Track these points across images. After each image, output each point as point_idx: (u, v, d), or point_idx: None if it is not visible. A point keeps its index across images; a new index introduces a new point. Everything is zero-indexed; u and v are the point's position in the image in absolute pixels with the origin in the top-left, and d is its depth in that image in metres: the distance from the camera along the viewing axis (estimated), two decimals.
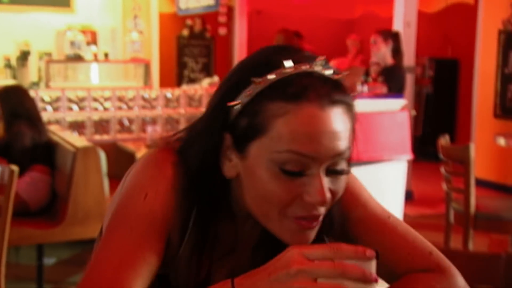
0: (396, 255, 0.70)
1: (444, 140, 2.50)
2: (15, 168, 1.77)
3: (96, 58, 5.79)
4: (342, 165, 0.61)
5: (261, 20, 7.11)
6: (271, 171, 0.59)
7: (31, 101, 2.73)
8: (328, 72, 0.61)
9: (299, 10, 7.03)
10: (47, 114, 3.91)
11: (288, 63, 0.59)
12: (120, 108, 4.34)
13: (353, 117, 0.63)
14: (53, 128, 3.24)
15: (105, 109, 4.30)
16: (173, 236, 0.66)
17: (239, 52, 5.82)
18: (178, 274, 0.69)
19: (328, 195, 0.59)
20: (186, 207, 0.66)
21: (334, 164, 0.60)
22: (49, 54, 5.67)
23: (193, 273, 0.67)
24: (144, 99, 4.42)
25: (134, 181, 0.69)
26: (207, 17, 6.46)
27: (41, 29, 5.64)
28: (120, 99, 4.34)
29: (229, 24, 6.04)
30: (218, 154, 0.64)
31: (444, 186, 2.50)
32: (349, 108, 0.62)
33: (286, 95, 0.58)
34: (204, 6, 5.27)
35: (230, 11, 5.92)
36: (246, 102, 0.60)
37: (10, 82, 4.84)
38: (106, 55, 5.89)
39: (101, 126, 4.24)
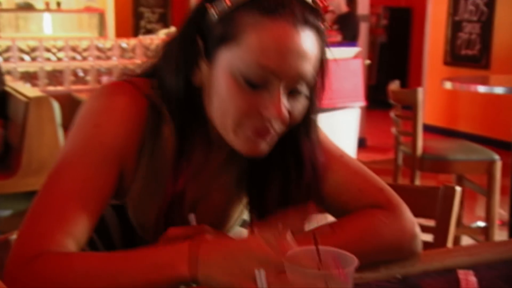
0: (347, 191, 0.73)
1: (394, 85, 2.59)
2: None
3: (48, 8, 5.58)
4: (303, 89, 0.64)
5: None
6: (235, 80, 0.61)
7: None
8: None
9: None
10: None
11: None
12: (74, 58, 4.19)
13: (323, 48, 0.65)
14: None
15: (59, 59, 4.15)
16: (128, 166, 0.68)
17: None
18: (135, 202, 0.71)
19: (285, 112, 0.62)
20: (139, 136, 0.68)
21: (295, 85, 0.63)
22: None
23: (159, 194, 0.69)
24: (98, 49, 4.28)
25: (85, 112, 0.70)
26: None
27: None
28: (74, 49, 4.19)
29: None
30: (191, 65, 0.66)
31: (393, 130, 2.61)
32: (320, 35, 0.64)
33: (262, 7, 0.60)
34: None
35: None
36: (222, 10, 0.62)
37: None
38: (58, 4, 5.68)
39: (55, 77, 4.10)
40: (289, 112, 0.63)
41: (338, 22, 3.54)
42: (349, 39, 3.45)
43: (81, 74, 4.19)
